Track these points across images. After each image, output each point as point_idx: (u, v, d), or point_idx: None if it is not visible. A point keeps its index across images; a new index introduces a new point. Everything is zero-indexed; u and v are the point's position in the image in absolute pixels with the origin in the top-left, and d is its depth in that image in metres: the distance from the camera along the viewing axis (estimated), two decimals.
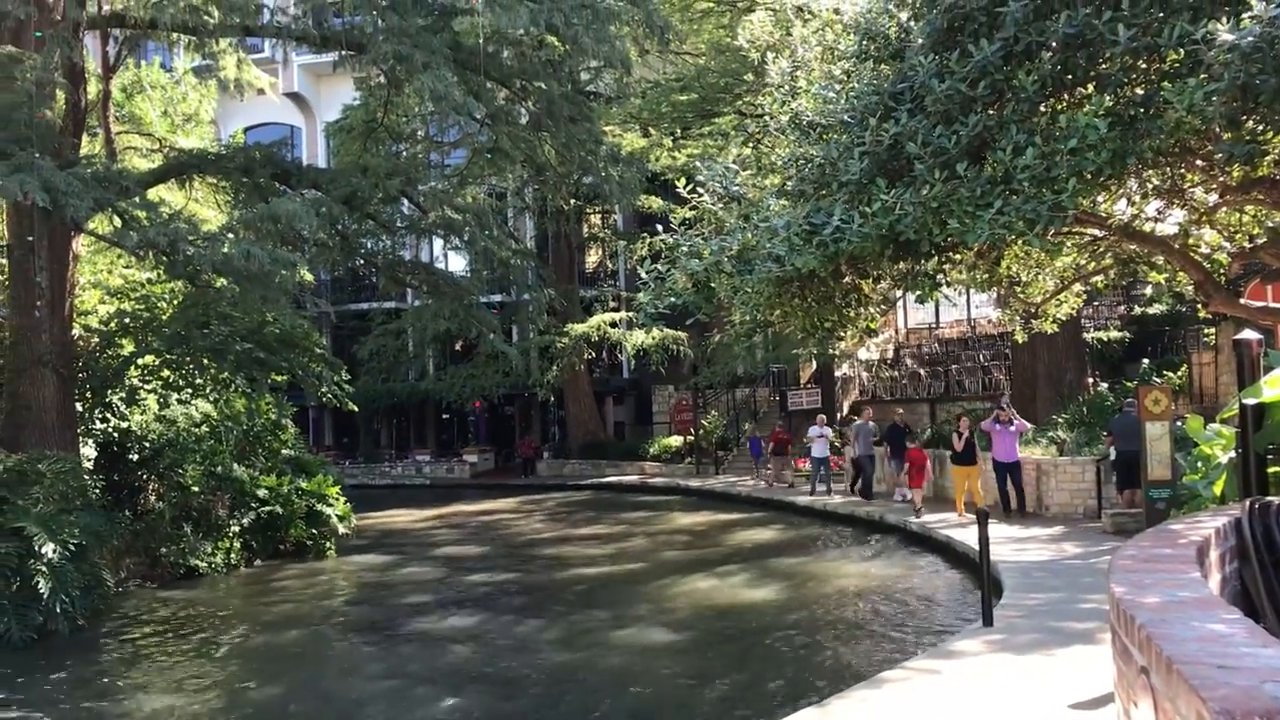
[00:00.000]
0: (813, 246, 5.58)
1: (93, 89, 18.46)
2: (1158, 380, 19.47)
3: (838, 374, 32.54)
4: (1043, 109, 5.62)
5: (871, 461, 22.57)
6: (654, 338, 32.23)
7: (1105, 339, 26.84)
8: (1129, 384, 20.18)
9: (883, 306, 8.18)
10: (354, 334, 37.68)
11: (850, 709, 7.04)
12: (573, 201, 32.95)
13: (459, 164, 31.21)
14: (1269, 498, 4.94)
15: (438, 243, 27.88)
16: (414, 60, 14.38)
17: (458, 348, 39.29)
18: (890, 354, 34.71)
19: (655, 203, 29.79)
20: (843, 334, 7.45)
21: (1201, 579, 3.24)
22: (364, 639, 13.42)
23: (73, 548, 13.19)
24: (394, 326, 35.39)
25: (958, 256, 7.16)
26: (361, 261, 20.25)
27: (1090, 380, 24.01)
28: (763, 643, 11.47)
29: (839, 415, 25.85)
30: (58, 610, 12.74)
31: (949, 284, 8.20)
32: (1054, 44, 5.41)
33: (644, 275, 6.67)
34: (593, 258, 41.92)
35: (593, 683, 10.18)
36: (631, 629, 12.62)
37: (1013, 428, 17.64)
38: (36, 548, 12.75)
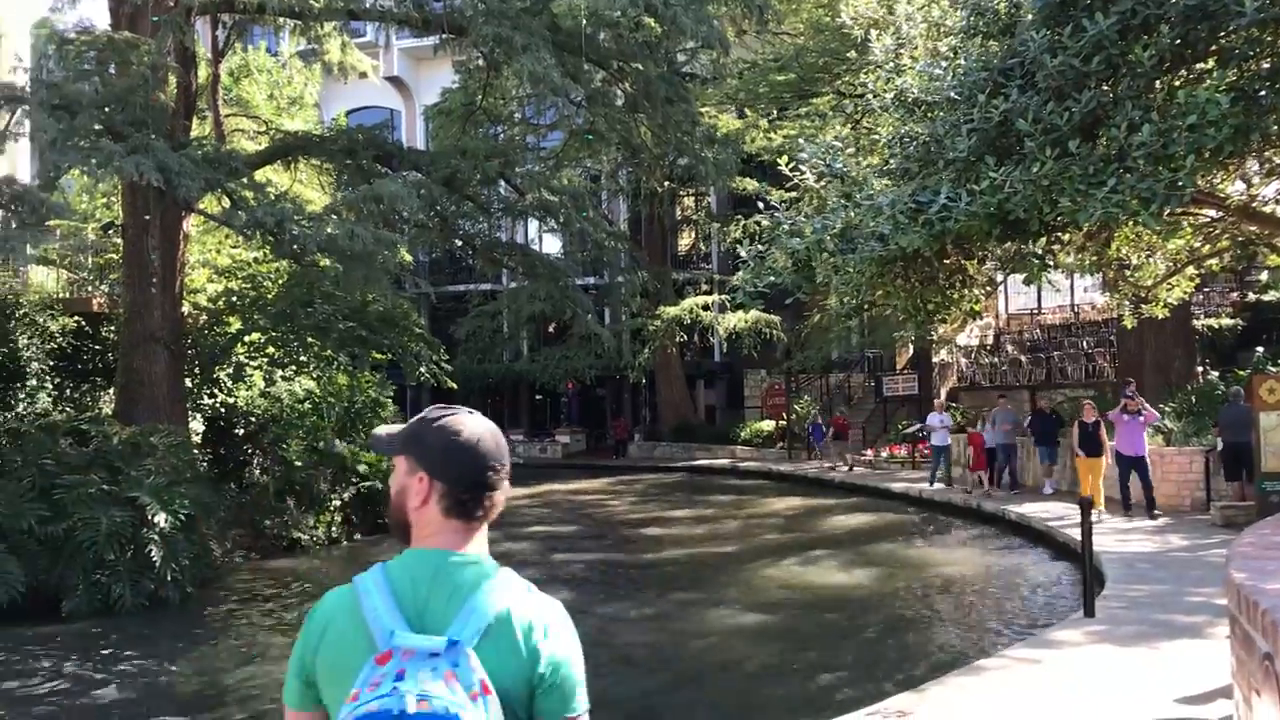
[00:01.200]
0: (918, 225, 5.48)
1: (203, 73, 18.98)
2: (1273, 369, 18.75)
3: (935, 360, 32.03)
4: (1159, 85, 5.44)
5: (1010, 451, 20.53)
6: (746, 321, 32.06)
7: (1216, 326, 25.94)
8: (1240, 373, 19.45)
9: (987, 289, 8.01)
10: (451, 315, 38.25)
11: (948, 696, 6.95)
12: (666, 184, 32.92)
13: (555, 146, 31.46)
14: None
15: (533, 225, 28.13)
16: (513, 42, 14.49)
17: (551, 330, 39.61)
18: (990, 340, 34.08)
19: (750, 184, 29.59)
20: (946, 316, 7.32)
21: None
22: None
23: (183, 518, 13.61)
24: (490, 308, 35.81)
25: (1066, 238, 6.99)
26: (459, 243, 20.50)
27: (1199, 369, 23.24)
28: (856, 627, 11.38)
29: (935, 402, 25.41)
30: (168, 578, 13.16)
31: (1057, 266, 8.01)
32: (1173, 17, 5.23)
33: (743, 255, 6.62)
34: (686, 240, 41.83)
35: (678, 665, 10.20)
36: (721, 610, 12.61)
37: (1141, 418, 16.02)
38: (150, 517, 13.17)
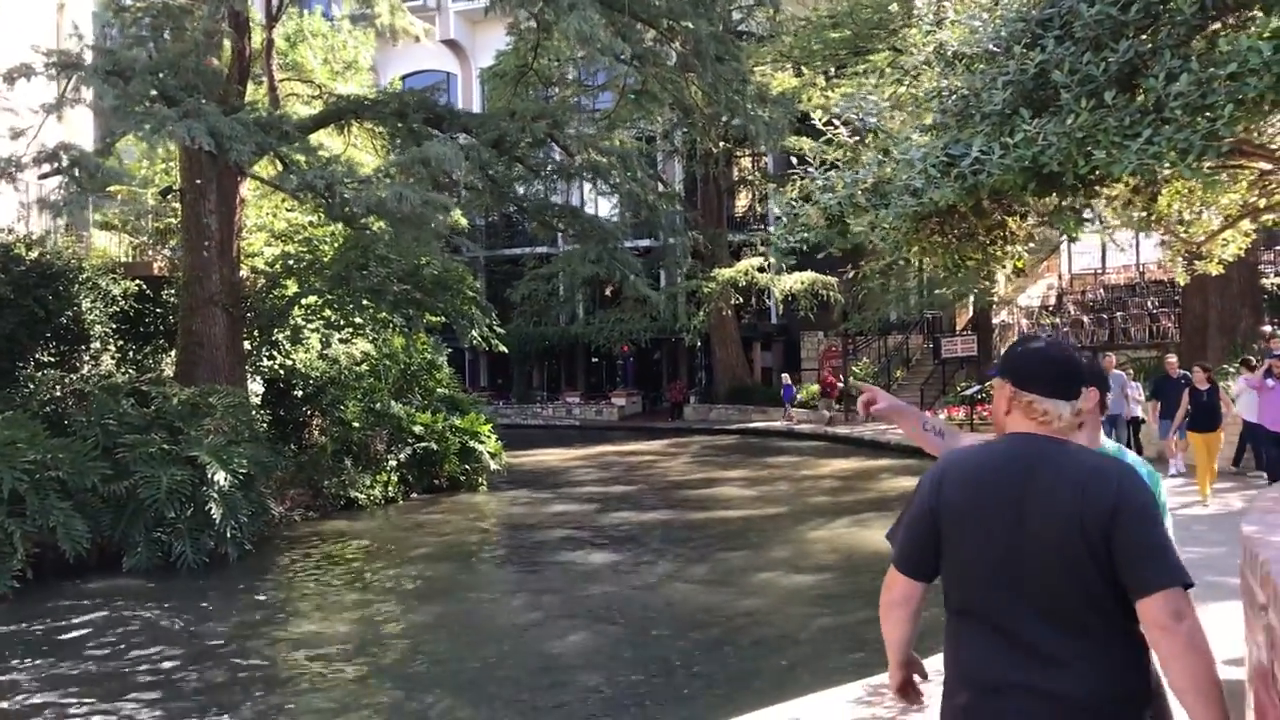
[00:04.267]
0: (951, 179, 5.41)
1: (257, 38, 19.18)
2: None
3: (995, 320, 31.58)
4: (1202, 33, 5.29)
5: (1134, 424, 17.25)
6: (803, 283, 31.85)
7: None
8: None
9: (1031, 246, 7.87)
10: (507, 278, 38.48)
11: None
12: (721, 144, 32.67)
13: (608, 108, 31.37)
14: None
15: (588, 187, 28.19)
16: (561, 2, 14.45)
17: (607, 293, 39.68)
18: (1053, 300, 33.54)
19: (806, 143, 29.23)
20: (987, 273, 7.22)
21: None
22: (508, 572, 13.86)
23: (241, 477, 13.93)
24: (545, 271, 35.95)
25: (1111, 192, 6.84)
26: (511, 206, 20.58)
27: (1268, 329, 22.66)
28: None
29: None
30: (228, 535, 13.51)
31: (1102, 223, 7.86)
32: None
33: (776, 210, 6.57)
34: (742, 202, 41.54)
35: (725, 624, 10.27)
36: (772, 572, 12.64)
37: None
38: (209, 476, 13.50)
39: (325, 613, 11.24)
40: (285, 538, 15.55)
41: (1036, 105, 5.47)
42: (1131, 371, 18.72)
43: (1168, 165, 4.87)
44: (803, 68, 29.63)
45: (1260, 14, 4.95)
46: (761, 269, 33.11)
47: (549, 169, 18.85)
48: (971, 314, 32.13)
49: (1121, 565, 2.26)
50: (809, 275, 31.24)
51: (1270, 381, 13.00)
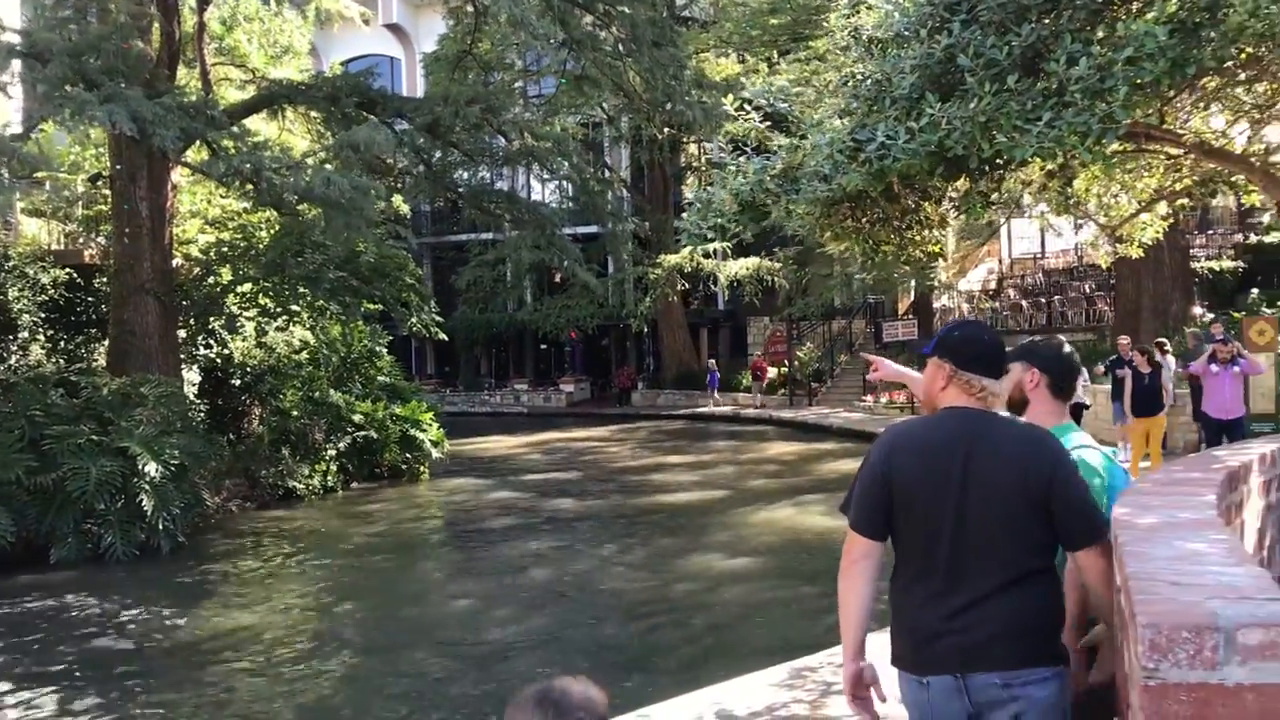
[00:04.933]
0: (858, 164, 5.43)
1: (190, 22, 18.83)
2: (1268, 311, 18.61)
3: (936, 305, 31.89)
4: (1103, 18, 5.34)
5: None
6: (748, 269, 31.92)
7: (1217, 269, 25.72)
8: (1236, 315, 19.29)
9: (963, 230, 7.93)
10: (454, 265, 38.20)
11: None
12: (666, 131, 32.61)
13: (552, 93, 31.20)
14: None
15: (534, 173, 27.97)
16: None
17: (557, 279, 39.53)
18: (993, 285, 33.94)
19: (745, 128, 29.22)
20: (906, 258, 7.26)
21: (1214, 501, 3.11)
22: (447, 561, 13.81)
23: (173, 468, 13.73)
24: (490, 257, 35.71)
25: (1026, 176, 6.92)
26: (449, 192, 20.40)
27: (1198, 312, 23.10)
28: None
29: (1122, 342, 23.63)
30: (159, 527, 13.33)
31: (1018, 206, 7.94)
32: None
33: (689, 196, 6.57)
34: (690, 188, 41.50)
35: (661, 608, 10.31)
36: (710, 555, 12.71)
37: (1236, 369, 12.46)
38: (140, 467, 13.30)
39: (256, 604, 11.12)
40: (220, 529, 15.37)
41: (944, 89, 5.50)
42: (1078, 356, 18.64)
43: (1069, 148, 4.92)
44: (745, 54, 29.64)
45: None
46: (708, 254, 33.11)
47: (484, 154, 18.68)
48: (913, 299, 32.40)
49: (1060, 521, 2.68)
50: (754, 261, 31.31)
51: (1214, 367, 12.54)
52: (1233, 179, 7.01)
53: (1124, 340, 15.11)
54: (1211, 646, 1.81)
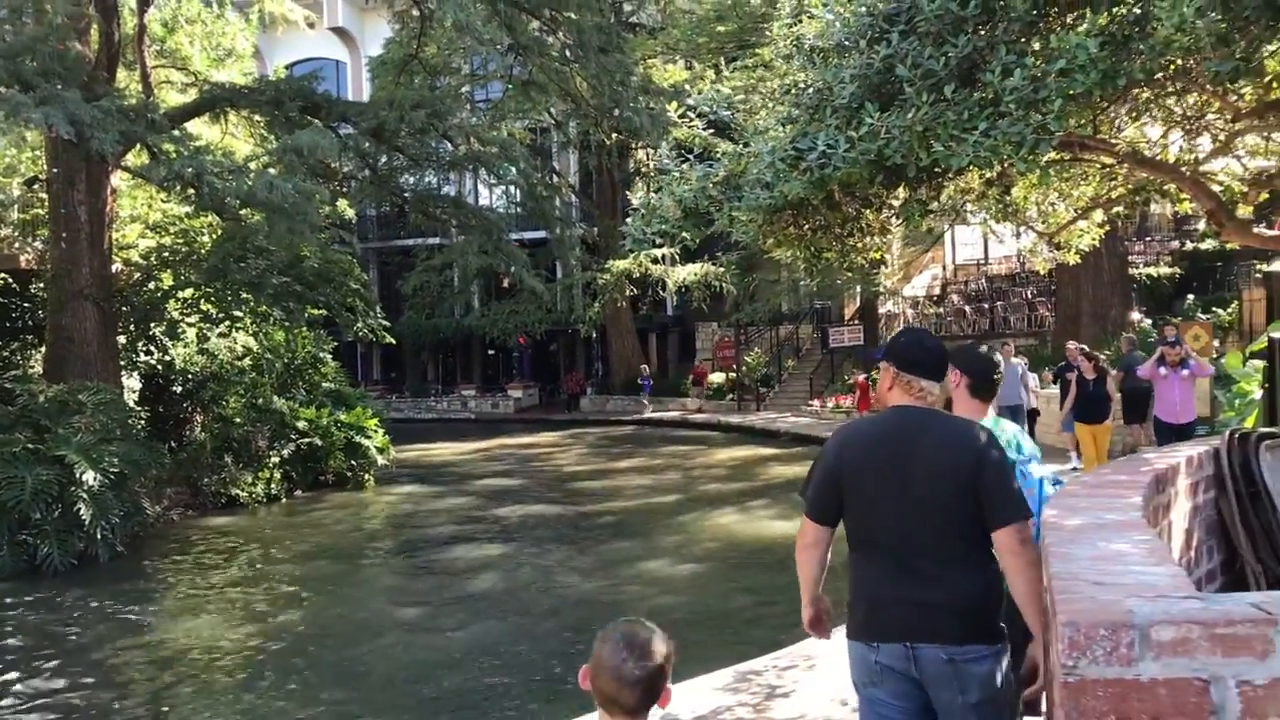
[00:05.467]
0: (799, 173, 5.49)
1: (130, 24, 18.55)
2: (1202, 316, 19.03)
3: (881, 311, 32.21)
4: (1038, 30, 5.45)
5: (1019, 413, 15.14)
6: (697, 274, 32.03)
7: (1155, 275, 26.27)
8: (1173, 321, 19.70)
9: (906, 237, 8.04)
10: (400, 270, 37.90)
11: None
12: (615, 136, 32.66)
13: (498, 98, 31.11)
14: (1251, 428, 4.85)
15: (482, 179, 27.84)
16: None
17: (504, 285, 39.38)
18: (937, 290, 34.36)
19: (690, 134, 29.36)
20: (848, 264, 7.35)
21: (1140, 504, 3.20)
22: (392, 569, 13.69)
23: (112, 476, 13.52)
24: (436, 262, 35.49)
25: (965, 184, 7.03)
26: (394, 196, 20.27)
27: (1136, 317, 23.59)
28: (786, 572, 11.52)
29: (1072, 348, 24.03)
30: (98, 536, 13.11)
31: (957, 214, 8.07)
32: None
33: (634, 202, 6.61)
34: (639, 194, 41.54)
35: (606, 612, 10.31)
36: (656, 560, 12.75)
37: (1185, 372, 12.34)
38: (77, 475, 13.08)
39: (196, 614, 10.97)
40: (161, 537, 15.14)
41: (884, 99, 5.58)
42: (1026, 361, 18.32)
43: (1005, 157, 5.02)
44: (693, 61, 29.78)
45: (1089, 12, 5.12)
46: (656, 260, 33.19)
47: (433, 159, 18.60)
48: (859, 304, 32.71)
49: (984, 504, 2.97)
50: (702, 267, 31.43)
51: (1163, 370, 12.44)
52: (1165, 187, 7.18)
53: (1071, 345, 14.89)
54: (1127, 643, 1.88)
